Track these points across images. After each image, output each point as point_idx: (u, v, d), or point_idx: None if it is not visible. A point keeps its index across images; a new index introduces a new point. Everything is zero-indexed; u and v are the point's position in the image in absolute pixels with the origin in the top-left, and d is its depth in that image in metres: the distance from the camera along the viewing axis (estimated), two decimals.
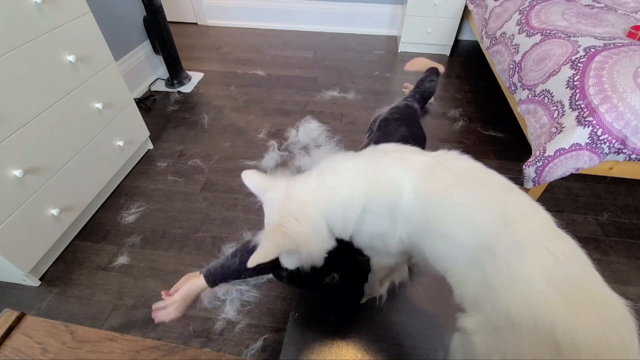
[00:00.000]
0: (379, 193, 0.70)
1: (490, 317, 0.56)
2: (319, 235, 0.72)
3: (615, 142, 1.06)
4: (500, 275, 0.55)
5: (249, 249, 0.91)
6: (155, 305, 0.88)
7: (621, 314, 0.49)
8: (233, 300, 1.16)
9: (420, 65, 1.70)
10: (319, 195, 0.72)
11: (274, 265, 0.91)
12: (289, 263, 0.76)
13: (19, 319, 0.46)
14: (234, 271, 0.91)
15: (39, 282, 1.20)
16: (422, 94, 1.43)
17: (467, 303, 0.63)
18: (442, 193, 0.65)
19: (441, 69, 1.66)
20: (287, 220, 0.69)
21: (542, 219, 0.61)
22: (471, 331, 0.60)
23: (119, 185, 1.56)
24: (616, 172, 1.21)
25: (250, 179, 0.80)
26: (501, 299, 0.54)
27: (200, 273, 0.92)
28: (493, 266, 0.57)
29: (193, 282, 0.91)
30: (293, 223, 0.69)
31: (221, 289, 1.17)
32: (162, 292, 0.90)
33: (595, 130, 1.05)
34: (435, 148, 1.85)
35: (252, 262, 0.65)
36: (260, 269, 0.95)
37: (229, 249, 1.30)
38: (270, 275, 1.14)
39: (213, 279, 0.91)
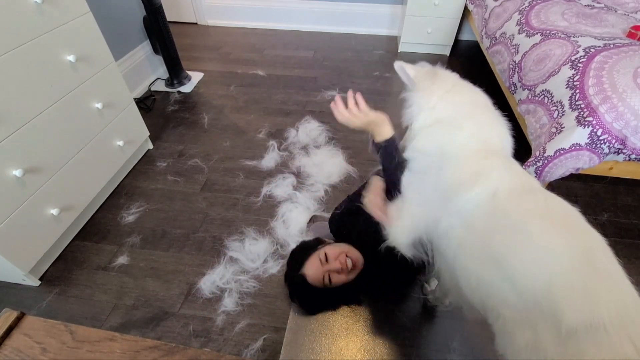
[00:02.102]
0: (464, 165, 0.63)
1: None
2: (431, 98, 0.75)
3: (615, 142, 1.06)
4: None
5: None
6: (336, 103, 0.92)
7: None
8: (232, 292, 1.17)
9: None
10: (462, 113, 0.72)
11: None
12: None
13: (18, 319, 0.46)
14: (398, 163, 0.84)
15: (39, 282, 1.21)
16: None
17: None
18: (523, 217, 0.55)
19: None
20: (442, 76, 0.78)
21: (631, 294, 0.48)
22: None
23: (118, 185, 1.56)
24: (616, 172, 1.21)
25: (407, 67, 0.81)
26: None
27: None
28: (554, 345, 0.46)
29: (384, 124, 0.91)
30: (440, 80, 0.76)
31: (222, 279, 1.20)
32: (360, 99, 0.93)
33: (595, 130, 1.05)
34: None
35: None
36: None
37: (231, 249, 1.30)
38: (269, 264, 1.21)
39: (391, 142, 0.88)
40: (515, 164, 0.66)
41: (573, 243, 0.52)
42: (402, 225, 0.74)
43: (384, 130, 0.89)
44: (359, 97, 0.91)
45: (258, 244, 1.31)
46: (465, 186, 0.61)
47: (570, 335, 0.45)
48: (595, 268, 0.49)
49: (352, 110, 0.91)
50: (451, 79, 0.78)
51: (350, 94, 0.91)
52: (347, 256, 0.95)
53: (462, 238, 0.60)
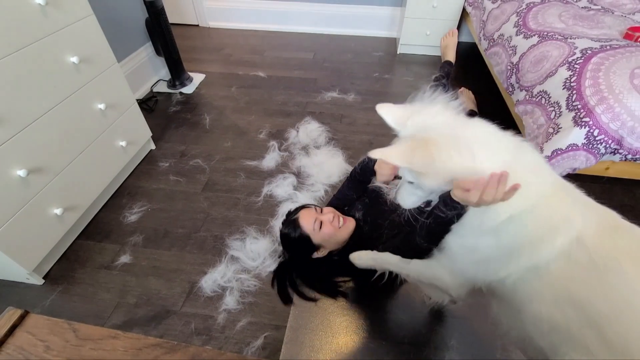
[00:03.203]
0: (538, 216, 0.55)
1: None
2: (461, 168, 0.55)
3: (612, 142, 1.08)
4: None
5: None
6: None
7: None
8: (233, 290, 1.18)
9: (449, 48, 1.75)
10: (499, 160, 0.55)
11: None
12: (408, 200, 0.66)
13: (22, 317, 0.46)
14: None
15: (43, 281, 1.22)
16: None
17: None
18: (614, 256, 0.49)
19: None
20: (445, 143, 0.54)
21: None
22: None
23: (121, 185, 1.57)
24: (613, 172, 1.22)
25: (387, 110, 0.63)
26: None
27: None
28: None
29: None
30: (449, 149, 0.54)
31: (223, 278, 1.22)
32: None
33: (591, 130, 1.07)
34: None
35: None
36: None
37: (232, 249, 1.31)
38: (267, 263, 1.20)
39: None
40: (587, 200, 0.59)
41: None
42: (455, 282, 0.71)
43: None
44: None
45: (259, 243, 1.33)
46: (544, 243, 0.54)
47: None
48: None
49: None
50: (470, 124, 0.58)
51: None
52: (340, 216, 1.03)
53: (535, 286, 0.55)
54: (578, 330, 0.50)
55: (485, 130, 0.58)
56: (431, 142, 0.55)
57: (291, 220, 1.02)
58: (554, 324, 0.53)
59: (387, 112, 0.63)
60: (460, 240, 0.65)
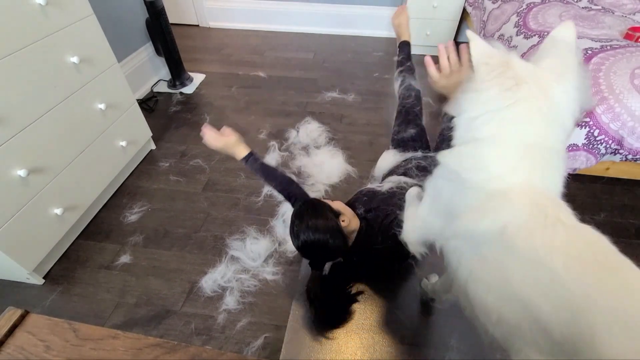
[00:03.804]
0: (480, 195, 0.55)
1: None
2: (484, 103, 0.55)
3: (612, 142, 1.08)
4: None
5: (286, 176, 1.15)
6: (206, 127, 1.13)
7: None
8: (233, 290, 1.18)
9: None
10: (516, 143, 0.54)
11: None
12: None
13: (22, 317, 0.47)
14: (269, 172, 1.14)
15: (43, 281, 1.22)
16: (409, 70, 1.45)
17: None
18: (544, 253, 0.48)
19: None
20: (514, 73, 0.54)
21: None
22: None
23: (121, 185, 1.57)
24: (613, 172, 1.22)
25: (479, 39, 0.58)
26: None
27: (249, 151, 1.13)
28: None
29: (239, 145, 1.14)
30: (509, 78, 0.53)
31: (223, 278, 1.21)
32: (223, 128, 1.16)
33: (592, 131, 1.07)
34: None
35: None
36: (286, 192, 1.14)
37: (233, 249, 1.31)
38: (268, 269, 1.23)
39: (252, 160, 1.14)
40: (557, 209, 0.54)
41: (608, 281, 0.45)
42: (413, 224, 0.75)
43: (241, 150, 1.14)
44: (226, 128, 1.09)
45: (259, 243, 1.33)
46: (473, 215, 0.55)
47: None
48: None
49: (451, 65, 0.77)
50: (526, 87, 0.53)
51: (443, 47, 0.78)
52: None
53: (476, 269, 0.56)
54: (527, 326, 0.49)
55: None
56: (510, 66, 0.54)
57: (317, 208, 1.00)
58: (502, 316, 0.52)
59: (477, 39, 0.58)
60: (434, 181, 0.66)
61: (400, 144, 1.29)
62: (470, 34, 0.58)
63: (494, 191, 0.54)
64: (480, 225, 0.54)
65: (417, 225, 0.75)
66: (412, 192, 0.88)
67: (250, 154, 1.13)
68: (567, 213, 0.54)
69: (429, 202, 0.70)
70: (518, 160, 0.54)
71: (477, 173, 0.56)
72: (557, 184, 0.57)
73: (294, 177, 1.21)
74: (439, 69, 0.77)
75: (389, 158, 1.30)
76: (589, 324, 0.42)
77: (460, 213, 0.58)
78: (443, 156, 0.62)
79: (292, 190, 1.13)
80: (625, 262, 0.48)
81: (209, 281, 1.20)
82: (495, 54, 0.56)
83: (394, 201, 1.02)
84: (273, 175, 1.14)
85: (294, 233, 1.01)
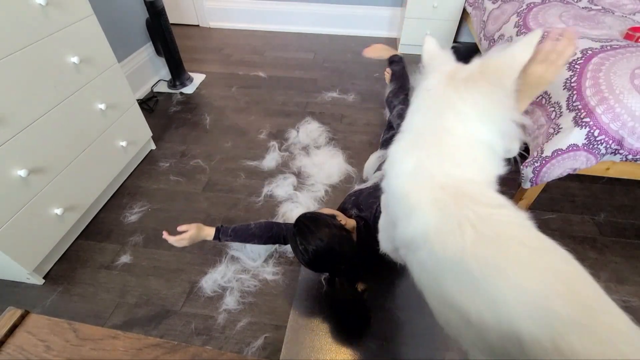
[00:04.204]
0: (401, 200, 0.56)
1: None
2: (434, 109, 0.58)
3: (612, 142, 1.07)
4: None
5: (261, 224, 1.13)
6: (166, 234, 1.09)
7: None
8: (233, 290, 1.18)
9: (379, 51, 1.79)
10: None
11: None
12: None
13: (22, 317, 0.47)
14: (245, 234, 1.12)
15: (43, 281, 1.22)
16: (400, 78, 1.58)
17: None
18: (463, 261, 0.48)
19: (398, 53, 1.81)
20: (459, 82, 0.57)
21: (609, 327, 0.41)
22: None
23: (121, 185, 1.57)
24: (613, 173, 1.22)
25: (433, 42, 0.67)
26: None
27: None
28: None
29: (203, 229, 1.10)
30: (455, 86, 0.56)
31: (223, 278, 1.21)
32: (178, 227, 1.09)
33: (592, 131, 1.06)
34: None
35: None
36: (269, 238, 1.13)
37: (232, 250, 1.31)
38: (269, 269, 1.23)
39: (222, 232, 1.11)
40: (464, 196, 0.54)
41: (518, 274, 0.45)
42: (381, 235, 0.80)
43: (209, 230, 1.11)
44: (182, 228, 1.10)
45: None
46: (401, 222, 0.56)
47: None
48: (549, 293, 0.42)
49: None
50: (437, 75, 0.58)
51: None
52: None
53: (420, 275, 0.57)
54: (466, 331, 0.49)
55: None
56: (455, 78, 0.57)
57: (313, 219, 1.00)
58: (447, 320, 0.53)
59: (431, 43, 0.66)
60: (385, 196, 0.67)
61: (384, 144, 1.31)
62: (427, 38, 0.63)
63: (403, 191, 0.55)
64: (408, 232, 0.55)
65: (381, 237, 0.78)
66: (372, 159, 0.91)
67: (218, 230, 1.12)
68: (474, 202, 0.52)
69: (383, 212, 0.72)
70: (410, 150, 0.56)
71: (390, 170, 0.58)
72: (471, 169, 0.57)
73: (267, 220, 1.20)
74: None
75: (374, 159, 1.34)
76: (509, 321, 0.43)
77: (396, 221, 0.58)
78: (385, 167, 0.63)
79: (274, 233, 1.12)
80: (536, 248, 0.48)
81: (209, 281, 1.20)
82: (437, 56, 0.60)
83: (379, 193, 1.03)
84: (249, 234, 1.12)
85: (301, 250, 0.99)
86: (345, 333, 1.09)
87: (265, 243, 1.14)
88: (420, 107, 0.58)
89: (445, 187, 0.54)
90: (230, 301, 1.15)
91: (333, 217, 1.03)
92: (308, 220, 1.01)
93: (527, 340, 0.41)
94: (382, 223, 0.80)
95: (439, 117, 0.57)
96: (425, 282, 0.56)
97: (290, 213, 1.43)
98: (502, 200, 0.56)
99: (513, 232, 0.50)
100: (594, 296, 0.42)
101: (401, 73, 1.58)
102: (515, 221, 0.52)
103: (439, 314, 0.56)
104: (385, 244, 0.78)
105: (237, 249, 1.31)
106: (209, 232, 1.11)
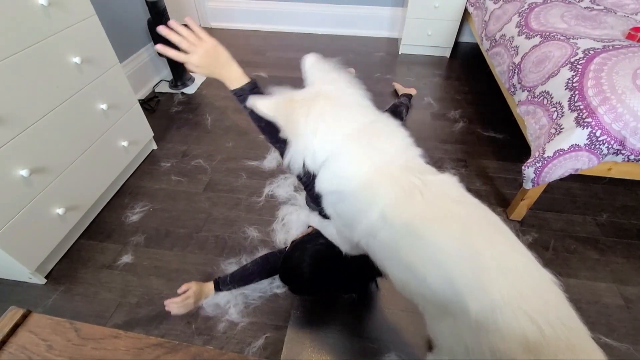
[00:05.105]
0: (356, 196, 0.65)
1: None
2: (306, 144, 0.65)
3: (614, 143, 1.07)
4: (479, 344, 0.51)
5: (257, 260, 1.09)
6: (167, 300, 1.02)
7: None
8: (237, 304, 1.15)
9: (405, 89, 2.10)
10: (337, 142, 0.64)
11: (286, 281, 0.98)
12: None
13: (24, 317, 0.47)
14: (245, 276, 1.07)
15: (45, 280, 1.22)
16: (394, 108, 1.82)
17: (441, 346, 0.61)
18: (413, 225, 0.58)
19: (413, 92, 2.09)
20: (300, 106, 0.64)
21: (522, 273, 0.53)
22: None
23: (123, 185, 1.58)
24: (615, 173, 1.22)
25: (311, 60, 0.74)
26: None
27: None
28: (470, 331, 0.52)
29: (203, 286, 1.06)
30: (302, 111, 0.64)
31: (223, 298, 1.15)
32: (178, 290, 1.04)
33: (594, 131, 1.06)
34: (435, 149, 1.85)
35: (249, 103, 0.67)
36: (269, 270, 1.07)
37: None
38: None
39: (222, 283, 1.05)
40: (405, 170, 0.63)
41: (456, 234, 0.56)
42: (337, 243, 0.86)
43: (232, 73, 0.81)
44: (190, 21, 0.78)
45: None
46: (363, 215, 0.64)
47: (479, 320, 0.50)
48: (478, 251, 0.54)
49: (189, 38, 0.76)
50: (318, 102, 0.65)
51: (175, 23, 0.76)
52: None
53: (381, 252, 0.65)
54: (417, 286, 0.59)
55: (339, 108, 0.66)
56: (294, 101, 0.65)
57: (308, 238, 0.97)
58: (403, 282, 0.62)
59: (309, 61, 0.75)
60: (331, 208, 0.74)
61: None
62: (250, 103, 0.69)
63: (362, 185, 0.63)
64: (370, 219, 0.62)
65: (339, 242, 0.85)
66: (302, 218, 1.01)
67: (217, 283, 1.06)
68: (418, 173, 0.63)
69: (333, 224, 0.82)
70: (357, 150, 0.64)
71: (346, 181, 0.64)
72: (395, 146, 0.66)
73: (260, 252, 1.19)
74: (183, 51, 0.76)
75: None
76: (452, 278, 0.53)
77: (356, 218, 0.66)
78: (320, 189, 0.70)
79: (272, 263, 1.07)
80: (471, 210, 0.60)
81: (211, 305, 1.14)
82: (272, 104, 0.66)
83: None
84: (248, 274, 1.07)
85: (298, 274, 0.93)
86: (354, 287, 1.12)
87: (268, 276, 1.09)
88: (332, 122, 0.66)
89: (392, 165, 0.64)
90: (233, 312, 1.12)
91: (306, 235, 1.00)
92: (290, 255, 0.96)
93: (457, 279, 0.53)
94: (333, 233, 0.88)
95: (354, 116, 0.67)
96: (386, 256, 0.64)
97: (289, 216, 1.42)
98: (434, 169, 0.67)
99: (450, 193, 0.61)
100: (486, 242, 0.55)
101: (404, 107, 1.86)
102: (449, 181, 0.64)
103: (397, 281, 0.64)
104: (344, 247, 0.85)
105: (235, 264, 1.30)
106: (209, 287, 1.07)
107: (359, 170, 0.64)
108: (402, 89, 2.12)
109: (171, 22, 0.76)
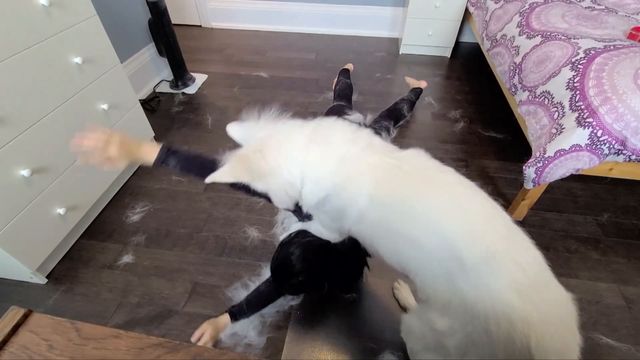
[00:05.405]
0: (341, 192, 0.71)
1: (466, 326, 0.60)
2: (283, 178, 0.72)
3: (615, 143, 1.07)
4: (474, 290, 0.57)
5: (269, 279, 1.04)
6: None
7: (570, 311, 0.58)
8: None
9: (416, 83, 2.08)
10: (299, 153, 0.71)
11: (278, 279, 0.97)
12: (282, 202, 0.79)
13: (25, 316, 0.47)
14: (260, 299, 1.04)
15: (46, 280, 1.22)
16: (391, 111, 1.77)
17: (435, 304, 0.66)
18: (401, 197, 0.65)
19: (423, 85, 2.05)
20: (253, 154, 0.72)
21: (506, 226, 0.62)
22: (443, 334, 0.65)
23: (124, 185, 1.58)
24: (616, 173, 1.21)
25: (235, 129, 0.83)
26: (478, 313, 0.57)
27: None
28: (466, 280, 0.58)
29: (217, 323, 1.01)
30: (257, 157, 0.72)
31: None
32: (192, 339, 0.96)
33: (595, 131, 1.06)
34: (436, 149, 1.85)
35: (209, 179, 0.72)
36: (279, 291, 1.05)
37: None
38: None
39: (238, 312, 1.02)
40: (380, 154, 0.71)
41: (444, 194, 0.65)
42: (327, 236, 0.91)
43: (145, 147, 0.86)
44: (91, 129, 0.79)
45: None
46: (353, 204, 0.70)
47: (473, 268, 0.57)
48: (465, 209, 0.63)
49: (99, 139, 0.77)
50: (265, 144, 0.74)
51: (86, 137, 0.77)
52: None
53: (372, 231, 0.72)
54: (412, 253, 0.66)
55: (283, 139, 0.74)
56: (246, 156, 0.72)
57: (292, 239, 0.96)
58: (397, 252, 0.69)
59: (234, 131, 0.83)
60: (316, 211, 0.82)
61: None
62: (208, 180, 0.73)
63: (342, 180, 0.70)
64: (360, 206, 0.69)
65: (325, 234, 0.90)
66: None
67: (232, 314, 1.03)
68: (388, 153, 0.71)
69: (317, 220, 0.89)
70: (317, 154, 0.71)
71: (323, 184, 0.71)
72: (344, 134, 0.73)
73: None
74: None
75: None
76: (445, 235, 0.61)
77: (345, 211, 0.73)
78: (308, 206, 0.78)
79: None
80: (448, 175, 0.68)
81: (228, 334, 1.07)
82: (229, 170, 0.72)
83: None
84: (264, 296, 1.05)
85: (288, 269, 0.93)
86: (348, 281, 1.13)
87: (284, 293, 1.07)
88: (288, 154, 0.73)
89: (356, 149, 0.71)
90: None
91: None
92: (281, 260, 0.96)
93: (450, 234, 0.60)
94: (318, 228, 0.91)
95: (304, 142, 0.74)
96: (378, 234, 0.71)
97: (289, 219, 1.42)
98: (396, 146, 0.76)
99: (425, 164, 0.70)
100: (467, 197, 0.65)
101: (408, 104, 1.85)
102: (419, 153, 0.72)
103: (390, 254, 0.71)
104: (331, 236, 0.90)
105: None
106: (224, 321, 1.02)
107: (328, 167, 0.70)
108: (412, 83, 2.06)
109: (77, 134, 0.78)
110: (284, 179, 0.72)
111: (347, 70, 2.08)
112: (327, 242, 0.91)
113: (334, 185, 0.70)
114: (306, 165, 0.71)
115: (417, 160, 0.71)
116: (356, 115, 1.45)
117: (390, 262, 0.72)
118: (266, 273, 1.22)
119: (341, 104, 1.63)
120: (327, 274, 1.00)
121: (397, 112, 1.72)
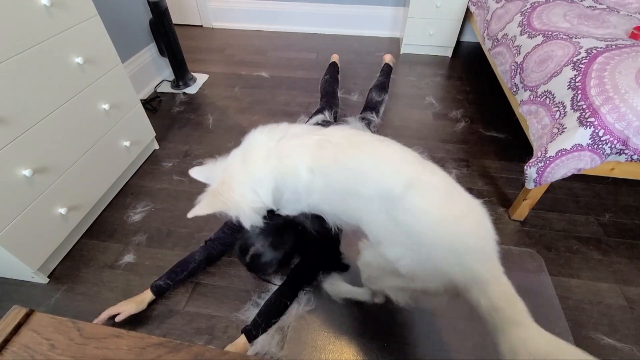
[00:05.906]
0: (284, 177, 0.85)
1: (411, 247, 0.73)
2: (245, 199, 0.88)
3: (617, 142, 1.07)
4: (406, 214, 0.72)
5: (274, 291, 1.13)
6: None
7: (481, 214, 0.72)
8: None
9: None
10: (242, 173, 0.88)
11: (240, 251, 1.09)
12: (248, 221, 0.93)
13: (27, 316, 0.47)
14: (275, 307, 1.09)
15: (47, 280, 1.23)
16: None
17: (383, 239, 0.79)
18: (335, 162, 0.80)
19: (386, 59, 2.17)
20: (221, 186, 0.88)
21: (416, 160, 0.78)
22: (396, 259, 0.77)
23: (125, 185, 1.58)
24: (618, 173, 1.21)
25: (198, 173, 0.99)
26: (413, 233, 0.72)
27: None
28: (400, 209, 0.72)
29: (236, 344, 1.02)
30: (225, 189, 0.87)
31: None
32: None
33: (596, 131, 1.06)
34: (437, 149, 1.85)
35: (190, 214, 0.87)
36: (211, 259, 1.22)
37: None
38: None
39: (254, 328, 1.04)
40: (307, 134, 0.86)
41: (366, 151, 0.80)
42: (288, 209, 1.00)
43: (143, 296, 1.12)
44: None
45: None
46: (297, 180, 0.84)
47: (403, 196, 0.72)
48: (384, 157, 0.79)
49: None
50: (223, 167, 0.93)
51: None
52: None
53: (324, 198, 0.85)
54: (357, 206, 0.80)
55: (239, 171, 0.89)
56: (215, 191, 0.89)
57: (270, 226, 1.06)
58: (345, 209, 0.83)
59: (198, 174, 0.99)
60: (281, 205, 0.95)
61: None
62: (190, 215, 0.89)
63: (280, 170, 0.85)
64: (303, 180, 0.83)
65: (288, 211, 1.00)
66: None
67: (248, 332, 1.03)
68: (311, 132, 0.87)
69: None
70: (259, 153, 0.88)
71: (273, 176, 0.87)
72: (264, 136, 0.90)
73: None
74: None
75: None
76: (376, 180, 0.77)
77: (296, 190, 0.86)
78: (278, 205, 0.95)
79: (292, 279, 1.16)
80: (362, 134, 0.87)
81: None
82: (205, 205, 0.89)
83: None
84: (275, 308, 1.09)
85: (250, 245, 1.07)
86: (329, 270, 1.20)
87: (297, 292, 1.16)
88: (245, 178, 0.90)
89: (280, 141, 0.87)
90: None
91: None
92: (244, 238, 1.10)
93: (381, 178, 0.76)
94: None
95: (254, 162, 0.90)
96: (329, 199, 0.84)
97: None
98: (316, 127, 0.93)
99: (348, 133, 0.86)
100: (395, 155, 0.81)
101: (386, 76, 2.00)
102: (342, 127, 0.89)
103: (340, 212, 0.85)
104: (293, 212, 0.99)
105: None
106: (241, 344, 1.01)
107: (260, 168, 0.86)
108: (385, 60, 2.16)
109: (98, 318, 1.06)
110: (250, 197, 0.88)
111: (334, 64, 2.11)
112: (284, 221, 1.07)
113: (274, 176, 0.85)
114: (250, 178, 0.87)
115: (341, 131, 0.86)
116: (324, 115, 1.62)
117: (347, 221, 0.86)
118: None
119: (319, 107, 1.72)
120: (290, 246, 1.12)
121: (370, 102, 1.79)
